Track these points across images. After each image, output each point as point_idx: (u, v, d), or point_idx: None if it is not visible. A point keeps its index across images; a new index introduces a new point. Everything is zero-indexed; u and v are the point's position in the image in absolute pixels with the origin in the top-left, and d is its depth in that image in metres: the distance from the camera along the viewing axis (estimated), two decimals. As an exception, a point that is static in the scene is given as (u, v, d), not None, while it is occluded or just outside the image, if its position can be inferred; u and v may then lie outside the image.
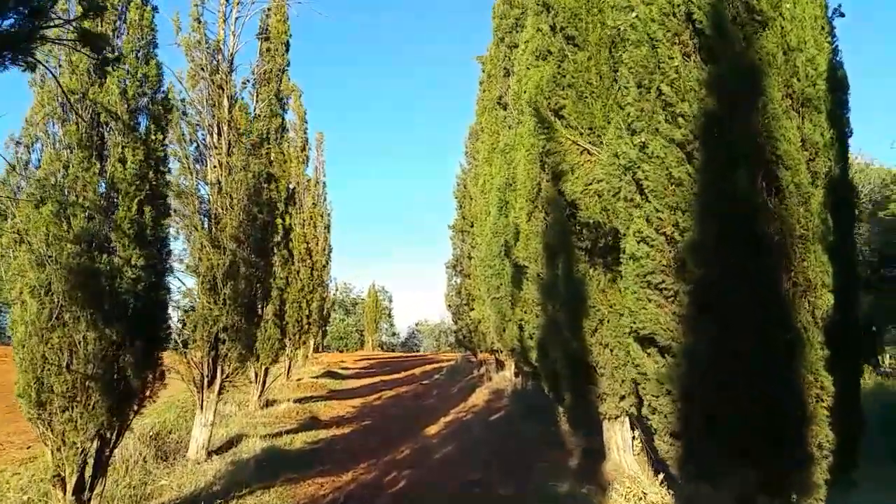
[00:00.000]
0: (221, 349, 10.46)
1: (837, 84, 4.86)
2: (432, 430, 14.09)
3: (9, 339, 8.28)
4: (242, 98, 11.49)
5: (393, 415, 16.78)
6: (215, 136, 11.05)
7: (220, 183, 10.80)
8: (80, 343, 6.00)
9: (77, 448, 6.07)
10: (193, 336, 10.21)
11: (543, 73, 8.39)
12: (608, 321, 7.96)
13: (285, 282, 16.00)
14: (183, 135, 10.65)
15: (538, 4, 8.65)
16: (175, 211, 10.40)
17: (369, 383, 25.15)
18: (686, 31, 4.82)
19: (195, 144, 10.87)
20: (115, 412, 6.27)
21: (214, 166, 10.91)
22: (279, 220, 15.63)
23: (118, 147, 6.50)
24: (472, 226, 22.62)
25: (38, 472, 8.24)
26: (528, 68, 9.68)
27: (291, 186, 17.32)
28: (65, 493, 6.16)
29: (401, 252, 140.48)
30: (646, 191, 5.10)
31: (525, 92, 9.15)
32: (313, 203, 27.26)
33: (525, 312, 11.78)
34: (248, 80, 11.55)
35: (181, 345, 10.19)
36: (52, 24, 2.82)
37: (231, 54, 11.39)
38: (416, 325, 76.08)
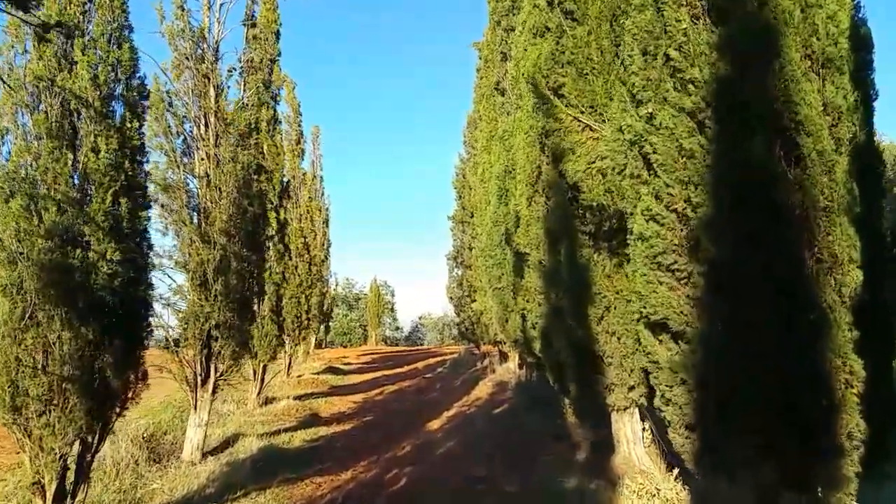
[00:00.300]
0: (214, 347, 10.12)
1: (860, 43, 4.48)
2: (435, 424, 13.79)
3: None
4: (229, 87, 11.10)
5: (395, 410, 16.47)
6: (202, 127, 10.68)
7: (208, 176, 10.44)
8: (54, 343, 5.66)
9: (55, 454, 5.74)
10: (185, 334, 9.88)
11: (542, 51, 8.08)
12: (615, 308, 7.63)
13: (282, 277, 15.65)
14: (169, 127, 10.27)
15: (535, -22, 8.33)
16: (163, 206, 10.09)
17: (371, 378, 24.85)
18: (693, -9, 4.47)
19: (182, 137, 10.51)
20: (95, 415, 5.93)
21: (202, 158, 10.55)
22: (273, 214, 15.30)
23: (91, 136, 6.14)
24: (471, 216, 22.42)
25: (25, 478, 7.91)
26: (525, 49, 9.37)
27: (286, 180, 16.91)
28: (44, 502, 5.83)
29: (404, 245, 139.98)
30: (654, 165, 4.79)
31: (523, 73, 8.84)
32: (310, 197, 26.90)
33: (527, 301, 11.49)
34: (234, 69, 11.17)
35: (173, 343, 9.88)
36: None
37: (216, 42, 11.00)
38: (420, 318, 75.99)
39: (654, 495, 7.02)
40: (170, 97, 10.41)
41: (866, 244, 4.06)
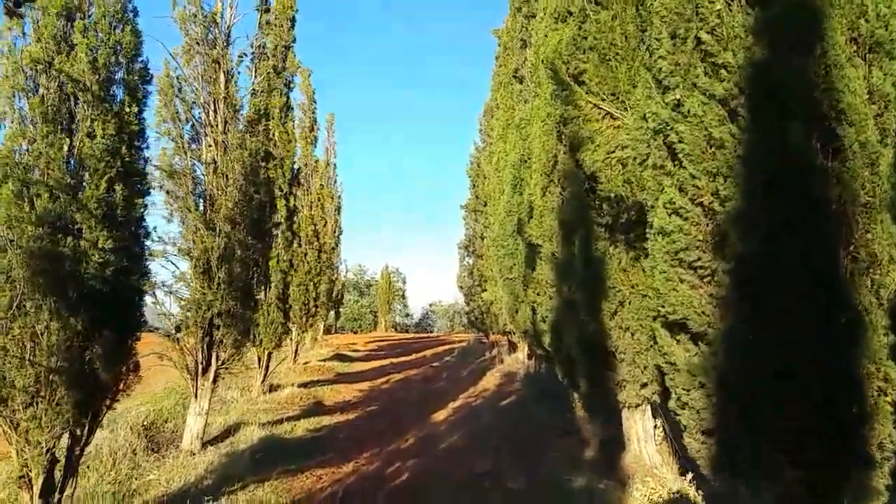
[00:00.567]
0: (216, 335, 9.90)
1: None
2: (441, 415, 13.57)
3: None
4: (240, 73, 10.82)
5: (400, 399, 16.26)
6: (211, 113, 10.42)
7: (215, 162, 10.19)
8: (42, 334, 5.42)
9: (42, 447, 5.50)
10: (186, 322, 9.66)
11: (563, 36, 7.81)
12: (629, 303, 7.45)
13: (289, 264, 15.42)
14: (177, 113, 10.02)
15: (558, -39, 8.04)
16: (168, 192, 9.86)
17: (378, 366, 24.67)
18: (729, -30, 4.17)
19: (191, 123, 10.26)
20: (83, 408, 5.69)
21: (210, 145, 10.29)
22: (282, 202, 15.06)
23: (87, 120, 5.87)
24: (485, 205, 22.20)
25: (12, 471, 7.74)
26: (546, 35, 9.10)
27: (297, 167, 16.64)
28: (31, 496, 5.62)
29: (417, 232, 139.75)
30: (680, 155, 4.56)
31: (543, 59, 8.56)
32: (322, 185, 26.66)
33: (538, 294, 11.24)
34: (245, 54, 10.87)
35: (174, 330, 9.67)
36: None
37: (228, 27, 10.72)
38: (430, 305, 76.02)
39: (667, 500, 6.74)
40: (179, 83, 10.15)
41: (909, 243, 3.75)
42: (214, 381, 10.07)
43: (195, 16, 9.91)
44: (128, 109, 6.16)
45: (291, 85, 14.99)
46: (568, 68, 7.59)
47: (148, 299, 9.13)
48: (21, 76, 5.63)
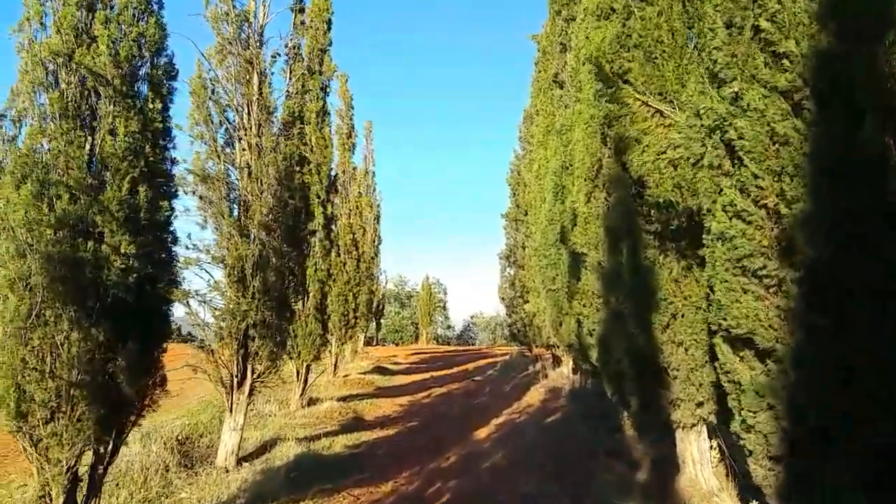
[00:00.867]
0: (251, 347, 9.58)
1: None
2: (483, 432, 13.05)
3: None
4: (273, 74, 10.56)
5: (442, 414, 15.78)
6: (245, 115, 10.17)
7: (249, 167, 9.92)
8: (62, 345, 5.12)
9: (62, 466, 5.20)
10: (220, 333, 9.37)
11: (606, 34, 7.56)
12: (682, 315, 7.03)
13: (327, 274, 15.13)
14: (210, 115, 9.79)
15: (599, -43, 7.79)
16: (201, 198, 9.62)
17: (419, 380, 24.25)
18: (791, -49, 3.89)
19: (224, 126, 10.03)
20: (106, 424, 5.38)
21: (244, 149, 10.03)
22: (319, 209, 14.80)
23: (109, 117, 5.59)
24: (526, 214, 21.85)
25: (32, 491, 7.50)
26: (587, 36, 8.76)
27: (334, 174, 16.39)
28: (51, 518, 5.31)
29: (457, 242, 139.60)
30: (740, 153, 4.25)
31: (586, 57, 8.20)
32: (360, 192, 26.48)
33: (584, 306, 10.75)
34: (278, 54, 10.60)
35: (208, 341, 9.40)
36: None
37: (261, 26, 10.47)
38: (472, 317, 75.63)
39: (731, 532, 6.16)
40: (212, 84, 9.93)
41: None
42: (250, 394, 9.74)
43: (227, 14, 9.68)
44: (152, 106, 5.88)
45: (328, 89, 14.76)
46: (612, 67, 7.37)
47: (182, 309, 8.99)
48: (40, 70, 5.37)
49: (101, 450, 5.55)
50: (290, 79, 11.22)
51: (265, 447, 10.55)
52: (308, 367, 14.92)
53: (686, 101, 5.88)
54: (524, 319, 23.65)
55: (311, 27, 13.52)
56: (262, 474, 8.80)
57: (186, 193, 9.15)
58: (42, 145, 5.43)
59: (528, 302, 21.72)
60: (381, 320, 52.65)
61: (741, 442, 4.61)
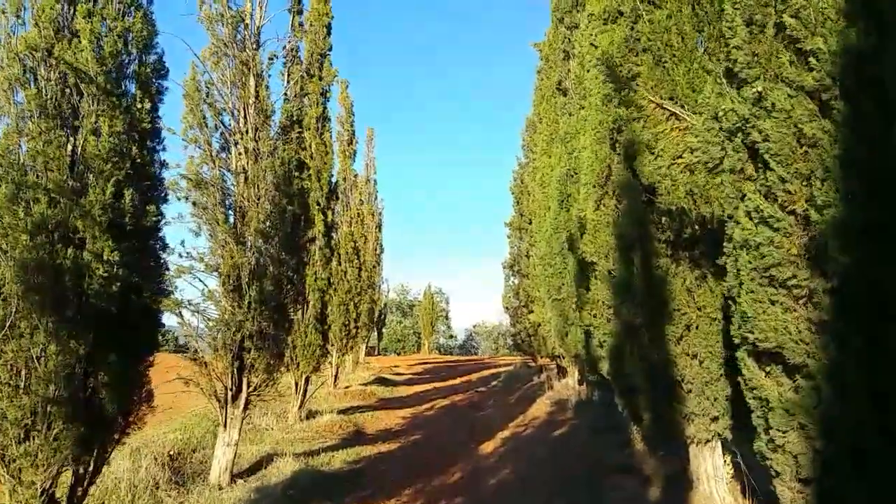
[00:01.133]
0: (247, 358, 9.21)
1: None
2: (488, 446, 12.67)
3: None
4: (270, 76, 10.23)
5: (445, 428, 15.39)
6: (241, 119, 9.84)
7: (245, 172, 9.58)
8: (38, 358, 4.76)
9: (36, 488, 4.84)
10: (214, 344, 9.00)
11: (613, 38, 7.45)
12: (697, 327, 6.87)
13: (327, 282, 14.76)
14: (204, 118, 9.46)
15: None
16: (195, 204, 9.27)
17: (422, 391, 23.85)
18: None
19: (220, 130, 9.69)
20: (86, 443, 5.03)
21: (240, 153, 9.70)
22: (320, 216, 14.47)
23: (92, 116, 5.25)
24: (530, 223, 21.59)
25: None
26: (591, 44, 8.57)
27: (335, 180, 16.06)
28: (26, 545, 4.94)
29: (459, 252, 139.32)
30: (765, 156, 4.07)
31: (594, 60, 7.98)
32: (361, 200, 26.15)
33: (594, 316, 10.41)
34: (275, 55, 10.26)
35: (201, 353, 9.04)
36: None
37: (257, 28, 10.15)
38: (474, 327, 75.13)
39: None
40: (207, 87, 9.61)
41: None
42: (245, 408, 9.36)
43: (222, 15, 9.36)
44: (140, 105, 5.55)
45: (328, 94, 14.46)
46: (620, 71, 7.24)
47: (174, 319, 8.63)
48: (17, 66, 5.04)
49: (81, 470, 5.20)
50: (289, 82, 10.88)
51: (261, 463, 10.17)
52: (307, 378, 14.52)
53: (702, 104, 5.72)
54: (528, 329, 23.38)
55: (311, 31, 13.24)
56: (257, 492, 8.44)
57: (179, 199, 8.81)
58: (19, 145, 5.10)
59: (532, 311, 21.42)
60: (383, 330, 52.29)
61: (767, 462, 4.37)
